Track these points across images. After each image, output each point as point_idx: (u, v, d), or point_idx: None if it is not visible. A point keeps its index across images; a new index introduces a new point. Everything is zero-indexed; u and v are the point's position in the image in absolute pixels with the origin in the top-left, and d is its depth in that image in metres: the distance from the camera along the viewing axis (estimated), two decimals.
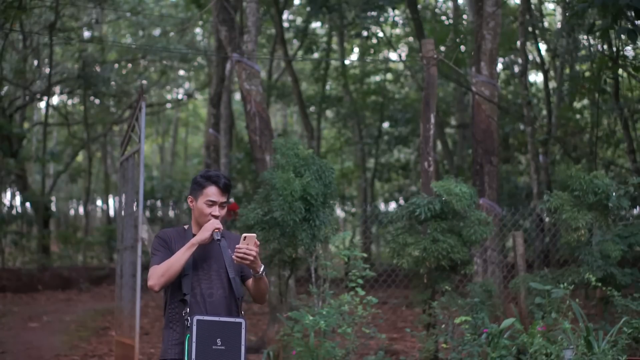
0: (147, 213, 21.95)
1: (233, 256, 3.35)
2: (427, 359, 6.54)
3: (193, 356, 3.24)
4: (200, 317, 3.31)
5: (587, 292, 6.80)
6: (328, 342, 5.82)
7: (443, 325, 6.40)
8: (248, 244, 3.34)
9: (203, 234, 3.41)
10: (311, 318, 5.68)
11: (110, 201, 25.11)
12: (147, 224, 7.08)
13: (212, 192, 3.49)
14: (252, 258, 3.32)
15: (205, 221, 3.48)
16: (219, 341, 3.29)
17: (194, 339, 3.26)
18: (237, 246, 3.34)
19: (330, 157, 22.68)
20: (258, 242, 3.38)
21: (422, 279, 6.75)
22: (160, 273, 3.37)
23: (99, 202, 30.57)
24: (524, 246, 6.99)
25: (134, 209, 7.30)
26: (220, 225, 3.44)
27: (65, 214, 29.29)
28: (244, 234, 3.37)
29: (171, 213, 23.62)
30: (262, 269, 3.41)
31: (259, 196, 6.39)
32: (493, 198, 8.71)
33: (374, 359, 6.29)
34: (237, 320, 3.37)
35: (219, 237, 3.42)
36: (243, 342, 3.34)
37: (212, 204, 3.49)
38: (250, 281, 3.52)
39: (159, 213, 23.62)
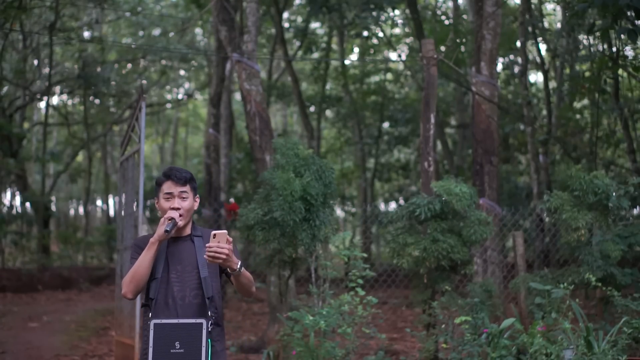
0: (147, 213, 21.92)
1: (204, 256, 3.20)
2: (427, 359, 6.54)
3: None
4: (158, 321, 3.21)
5: (587, 292, 6.80)
6: (328, 342, 5.82)
7: (443, 325, 6.40)
8: (219, 242, 3.17)
9: (158, 230, 3.29)
10: (311, 318, 5.68)
11: (110, 201, 25.13)
12: (147, 224, 7.07)
13: (167, 185, 3.41)
14: (224, 257, 3.16)
15: None
16: (177, 344, 3.18)
17: (150, 344, 3.18)
18: (207, 245, 3.19)
19: (330, 157, 22.69)
20: (231, 239, 3.22)
21: (422, 279, 6.75)
22: (128, 280, 3.28)
23: (99, 202, 30.61)
24: (524, 246, 6.99)
25: (134, 209, 7.30)
26: (175, 215, 3.32)
27: (65, 214, 29.30)
28: (214, 231, 3.20)
29: None
30: (238, 265, 3.26)
31: (259, 196, 6.39)
32: (493, 198, 8.71)
33: (374, 359, 6.30)
34: (197, 321, 3.23)
35: (168, 228, 3.25)
36: (204, 344, 3.20)
37: (169, 196, 3.39)
38: (232, 277, 3.38)
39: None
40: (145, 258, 3.28)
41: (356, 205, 22.87)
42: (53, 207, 22.58)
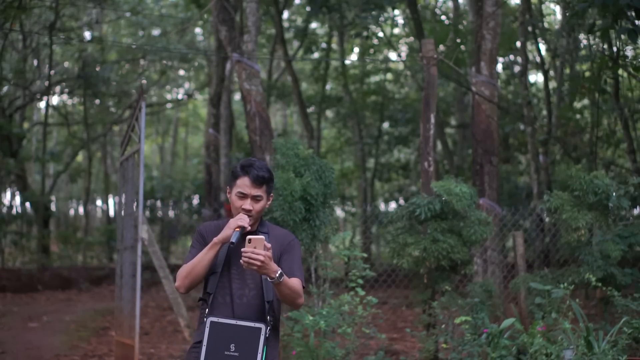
0: (147, 213, 21.94)
1: (240, 261, 3.02)
2: (427, 359, 6.54)
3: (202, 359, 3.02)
4: (215, 319, 3.06)
5: (587, 292, 6.80)
6: (328, 342, 5.82)
7: (443, 325, 6.40)
8: (255, 247, 2.98)
9: (225, 232, 3.12)
10: (311, 318, 5.68)
11: (110, 201, 25.12)
12: (147, 224, 7.07)
13: (242, 183, 3.20)
14: (259, 263, 2.97)
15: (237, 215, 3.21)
16: (232, 347, 3.02)
17: (204, 342, 3.03)
18: (242, 250, 3.00)
19: (330, 157, 22.69)
20: (269, 245, 3.02)
21: (422, 279, 6.75)
22: (184, 274, 3.15)
23: (99, 202, 30.60)
24: (524, 246, 6.98)
25: (134, 209, 7.30)
26: (244, 223, 3.12)
27: (65, 214, 29.29)
28: (249, 237, 3.02)
29: (171, 213, 23.62)
30: (278, 273, 3.03)
31: None
32: (493, 198, 8.71)
33: (374, 359, 6.29)
34: (257, 325, 3.05)
35: (233, 240, 3.07)
36: (260, 350, 3.02)
37: (242, 196, 3.19)
38: None
39: (159, 213, 23.62)
40: (206, 257, 3.13)
41: (356, 205, 22.88)
42: (53, 207, 22.58)
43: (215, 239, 3.16)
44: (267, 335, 3.10)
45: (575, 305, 5.87)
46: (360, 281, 6.24)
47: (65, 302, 14.46)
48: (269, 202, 3.32)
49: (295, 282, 3.17)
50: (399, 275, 8.92)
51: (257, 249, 3.00)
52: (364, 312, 6.11)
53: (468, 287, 6.72)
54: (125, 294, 7.41)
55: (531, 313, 6.20)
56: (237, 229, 3.12)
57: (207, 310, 3.16)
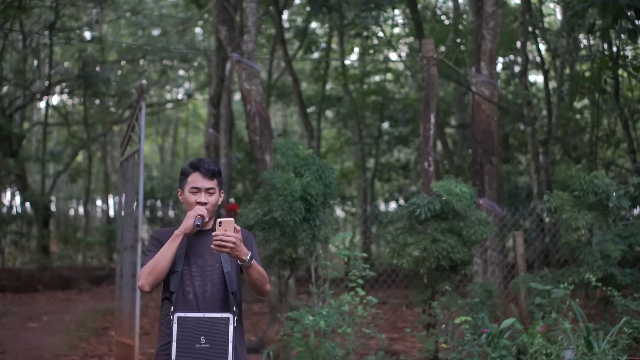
0: (147, 213, 21.95)
1: (211, 245, 3.08)
2: (427, 359, 6.54)
3: (173, 356, 3.06)
4: (182, 314, 3.11)
5: (587, 292, 6.80)
6: (328, 342, 5.82)
7: (443, 325, 6.40)
8: (226, 230, 3.05)
9: (185, 222, 3.20)
10: (311, 318, 5.68)
11: (110, 201, 25.13)
12: (147, 224, 7.08)
13: (194, 178, 3.30)
14: (231, 245, 3.05)
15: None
16: (202, 339, 3.08)
17: (174, 338, 3.07)
18: (213, 233, 3.07)
19: (330, 157, 22.68)
20: (238, 228, 3.11)
21: (422, 279, 6.75)
22: (147, 272, 3.17)
23: (99, 202, 30.61)
24: (524, 246, 6.99)
25: (134, 209, 7.30)
26: (203, 212, 3.23)
27: (65, 214, 29.30)
28: (219, 219, 3.07)
29: (171, 213, 23.62)
30: (248, 256, 3.14)
31: (259, 196, 6.39)
32: (493, 198, 8.71)
33: (374, 359, 6.29)
34: (224, 315, 3.13)
35: (199, 223, 3.17)
36: (231, 339, 3.11)
37: (196, 190, 3.29)
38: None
39: (159, 213, 23.63)
40: (168, 251, 3.18)
41: (356, 205, 22.88)
42: (53, 207, 22.58)
43: (175, 232, 3.21)
44: (235, 325, 3.16)
45: (575, 305, 5.87)
46: (360, 281, 6.24)
47: (65, 302, 14.46)
48: (221, 198, 3.40)
49: (260, 267, 3.27)
50: (399, 275, 8.91)
51: (228, 231, 3.05)
52: (364, 312, 6.11)
53: (468, 287, 6.72)
54: (125, 294, 7.41)
55: (531, 313, 6.20)
56: (199, 216, 3.21)
57: (172, 308, 3.18)
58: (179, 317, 3.10)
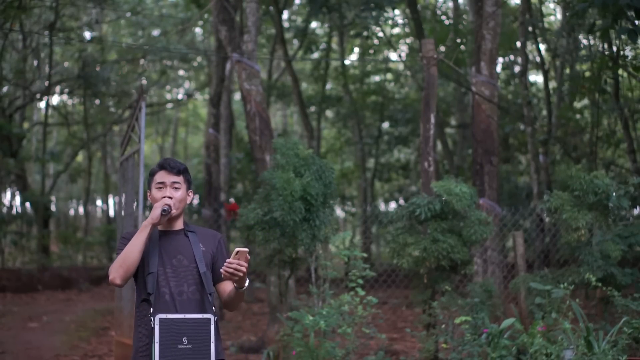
0: (147, 213, 21.91)
1: (222, 270, 3.14)
2: (427, 359, 6.54)
3: (156, 358, 3.05)
4: (164, 316, 3.11)
5: (587, 292, 6.80)
6: (328, 342, 5.82)
7: (443, 325, 6.40)
8: (239, 259, 3.13)
9: (153, 213, 3.23)
10: (311, 318, 5.68)
11: (110, 201, 25.12)
12: None
13: (159, 175, 3.36)
14: (241, 274, 3.13)
15: None
16: (185, 340, 3.09)
17: (156, 339, 3.07)
18: (228, 260, 3.14)
19: (330, 157, 22.68)
20: (249, 257, 3.18)
21: (422, 279, 6.75)
22: (118, 265, 3.18)
23: (99, 202, 30.60)
24: (524, 246, 6.99)
25: (134, 209, 7.30)
26: (169, 202, 3.27)
27: (65, 214, 29.30)
28: (237, 249, 3.15)
29: None
30: (247, 283, 3.23)
31: (259, 196, 6.39)
32: (493, 198, 8.71)
33: (374, 359, 6.29)
34: (205, 316, 3.16)
35: (165, 209, 3.22)
36: (212, 339, 3.14)
37: (162, 186, 3.34)
38: (223, 285, 3.33)
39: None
40: (137, 241, 3.19)
41: (356, 205, 22.88)
42: (53, 207, 22.57)
43: (144, 222, 3.23)
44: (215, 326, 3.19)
45: (575, 305, 5.87)
46: (360, 281, 6.24)
47: (65, 302, 14.47)
48: (189, 197, 3.42)
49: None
50: (399, 275, 8.92)
51: (241, 260, 3.13)
52: (364, 312, 6.11)
53: (468, 287, 6.73)
54: (125, 294, 7.41)
55: (531, 313, 6.20)
56: (165, 205, 3.24)
57: (151, 309, 3.18)
58: (160, 319, 3.11)
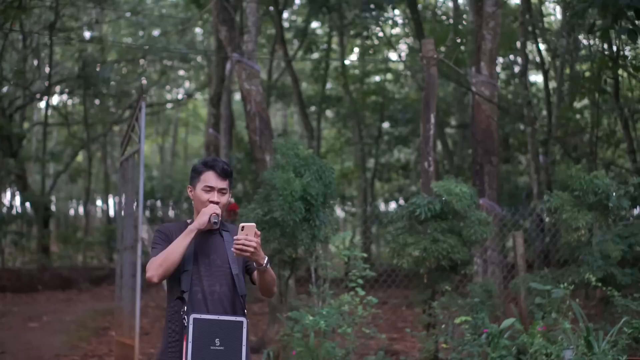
0: (147, 213, 21.93)
1: (232, 249, 3.13)
2: (427, 359, 6.54)
3: (189, 357, 3.05)
4: (198, 316, 3.11)
5: (587, 292, 6.80)
6: (328, 342, 5.82)
7: (443, 325, 6.40)
8: (247, 234, 3.10)
9: (201, 219, 3.21)
10: (311, 318, 5.68)
11: (110, 201, 25.12)
12: (147, 224, 7.08)
13: (209, 177, 3.31)
14: (252, 249, 3.10)
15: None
16: (217, 341, 3.09)
17: (190, 339, 3.06)
18: (235, 237, 3.11)
19: (330, 157, 22.68)
20: (259, 232, 3.15)
21: (422, 279, 6.75)
22: (158, 263, 3.17)
23: (99, 202, 30.59)
24: (524, 246, 6.99)
25: (134, 209, 7.30)
26: (218, 210, 3.25)
27: (65, 214, 29.30)
28: (242, 224, 3.13)
29: (171, 213, 23.62)
30: (265, 260, 3.18)
31: (259, 196, 6.39)
32: (493, 198, 8.71)
33: (374, 359, 6.29)
34: (238, 319, 3.15)
35: (216, 220, 3.20)
36: (244, 342, 3.13)
37: (209, 189, 3.30)
38: (255, 274, 3.31)
39: (159, 213, 23.63)
40: (181, 244, 3.18)
41: (356, 205, 22.87)
42: (53, 207, 22.59)
43: (190, 226, 3.22)
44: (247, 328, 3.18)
45: (575, 305, 5.87)
46: (360, 281, 6.24)
47: (65, 302, 14.46)
48: (230, 200, 3.44)
49: (272, 271, 3.31)
50: (399, 275, 8.92)
51: (249, 236, 3.10)
52: (364, 312, 6.11)
53: (468, 287, 6.73)
54: (125, 294, 7.41)
55: (531, 313, 6.20)
56: (214, 214, 3.22)
57: (185, 308, 3.18)
58: (194, 319, 3.10)
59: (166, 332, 3.29)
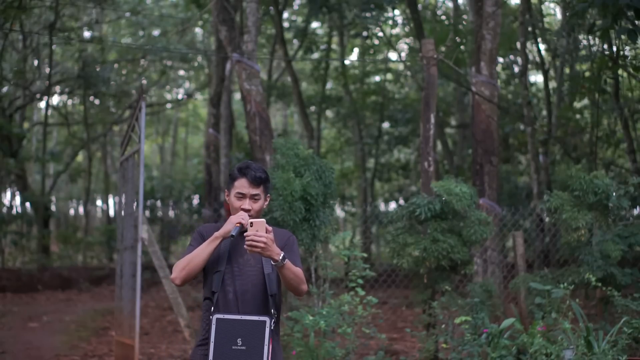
0: (147, 213, 21.92)
1: (244, 246, 3.15)
2: (427, 359, 6.55)
3: (210, 357, 3.11)
4: (220, 316, 3.16)
5: (587, 292, 6.80)
6: (328, 342, 5.82)
7: (443, 325, 6.40)
8: (257, 230, 3.12)
9: (225, 227, 3.26)
10: (311, 318, 5.68)
11: (110, 201, 25.12)
12: (147, 224, 7.07)
13: (240, 184, 3.34)
14: (262, 245, 3.11)
15: None
16: (239, 341, 3.13)
17: (212, 339, 3.13)
18: (245, 234, 3.14)
19: (330, 157, 22.68)
20: (270, 228, 3.18)
21: (422, 279, 6.75)
22: (182, 266, 3.24)
23: (99, 202, 30.60)
24: (524, 246, 6.99)
25: (134, 209, 7.30)
26: (246, 218, 3.25)
27: (65, 214, 29.29)
28: (251, 220, 3.16)
29: (171, 213, 23.61)
30: (281, 256, 3.18)
31: None
32: (493, 198, 8.71)
33: (374, 359, 6.30)
34: (261, 318, 3.17)
35: (234, 233, 3.21)
36: (266, 342, 3.14)
37: (241, 196, 3.34)
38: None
39: (159, 213, 23.61)
40: (206, 250, 3.24)
41: (356, 205, 22.87)
42: (53, 207, 22.58)
43: (215, 234, 3.27)
44: (272, 328, 3.19)
45: (575, 305, 5.87)
46: (360, 281, 6.24)
47: (65, 302, 14.46)
48: (266, 203, 3.44)
49: (298, 269, 3.29)
50: (399, 275, 8.92)
51: (259, 231, 3.12)
52: (364, 312, 6.12)
53: (468, 287, 6.73)
54: (125, 294, 7.41)
55: (531, 313, 6.20)
56: (237, 225, 3.24)
57: (212, 308, 3.23)
58: (217, 319, 3.15)
59: (200, 331, 3.38)
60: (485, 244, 8.04)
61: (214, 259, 3.30)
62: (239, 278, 3.29)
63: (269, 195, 3.45)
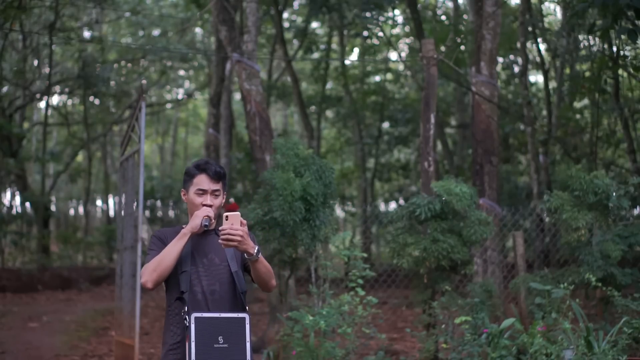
0: (147, 213, 21.94)
1: (219, 240, 3.10)
2: (427, 359, 6.54)
3: (192, 357, 3.02)
4: (199, 315, 3.08)
5: (587, 292, 6.80)
6: (328, 342, 5.82)
7: (443, 325, 6.40)
8: (232, 224, 3.07)
9: (193, 222, 3.22)
10: (311, 318, 5.68)
11: (110, 201, 25.13)
12: (147, 224, 7.08)
13: (201, 180, 3.31)
14: (238, 239, 3.08)
15: None
16: (220, 339, 3.07)
17: (192, 338, 3.03)
18: (220, 228, 3.10)
19: (330, 157, 22.68)
20: (245, 222, 3.13)
21: (422, 279, 6.75)
22: (152, 268, 3.16)
23: (99, 202, 30.61)
24: (524, 246, 6.99)
25: (134, 209, 7.30)
26: (211, 213, 3.26)
27: (65, 214, 29.30)
28: (226, 213, 3.09)
29: (171, 213, 23.62)
30: (256, 250, 3.15)
31: (259, 196, 6.39)
32: (493, 198, 8.71)
33: (374, 359, 6.29)
34: (240, 315, 3.14)
35: (207, 223, 3.21)
36: (248, 338, 3.11)
37: (202, 192, 3.30)
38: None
39: (159, 213, 23.62)
40: (175, 248, 3.18)
41: (356, 205, 22.87)
42: (53, 207, 22.59)
43: (183, 230, 3.23)
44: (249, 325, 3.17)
45: (575, 305, 5.86)
46: (360, 281, 6.24)
47: (65, 302, 14.46)
48: (223, 200, 3.42)
49: (266, 262, 3.28)
50: (399, 275, 8.92)
51: (234, 225, 3.08)
52: (364, 312, 6.11)
53: (468, 287, 6.73)
54: (125, 294, 7.41)
55: (531, 313, 6.20)
56: (206, 217, 3.24)
57: (185, 308, 3.17)
58: (196, 317, 3.08)
59: (167, 335, 3.28)
60: (485, 244, 8.04)
61: (178, 260, 3.22)
62: (206, 278, 3.24)
63: (225, 192, 3.43)
